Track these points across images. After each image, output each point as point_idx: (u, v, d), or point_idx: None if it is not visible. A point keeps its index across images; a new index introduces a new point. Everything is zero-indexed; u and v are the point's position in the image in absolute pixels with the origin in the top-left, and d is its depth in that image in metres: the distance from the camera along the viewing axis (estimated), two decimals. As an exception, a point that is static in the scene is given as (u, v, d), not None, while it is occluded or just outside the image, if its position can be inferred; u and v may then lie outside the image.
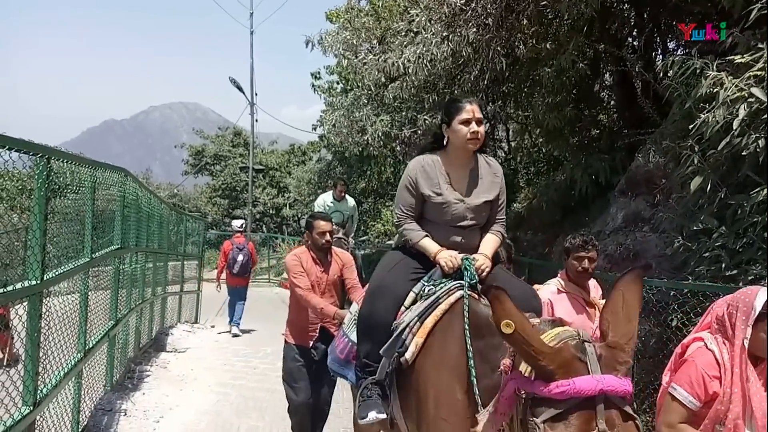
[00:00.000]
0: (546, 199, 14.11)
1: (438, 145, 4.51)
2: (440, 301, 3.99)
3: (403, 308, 4.21)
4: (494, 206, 4.54)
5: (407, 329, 4.00)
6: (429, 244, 4.34)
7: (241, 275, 14.86)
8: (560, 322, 2.94)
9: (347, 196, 12.98)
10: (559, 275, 5.90)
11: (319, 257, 6.46)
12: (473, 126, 4.22)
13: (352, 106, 15.52)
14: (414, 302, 4.20)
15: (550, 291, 5.72)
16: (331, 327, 6.15)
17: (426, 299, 4.08)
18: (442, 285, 4.10)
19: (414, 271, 4.38)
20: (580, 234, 6.03)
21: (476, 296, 3.90)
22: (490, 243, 4.47)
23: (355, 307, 4.98)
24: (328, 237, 6.40)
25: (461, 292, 3.91)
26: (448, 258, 4.21)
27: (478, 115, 4.27)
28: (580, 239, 5.71)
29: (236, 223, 15.92)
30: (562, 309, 5.50)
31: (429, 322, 3.94)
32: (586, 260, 5.62)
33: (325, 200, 12.72)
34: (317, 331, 6.34)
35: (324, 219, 6.50)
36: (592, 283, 5.95)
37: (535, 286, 5.60)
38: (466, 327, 3.63)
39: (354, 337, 4.60)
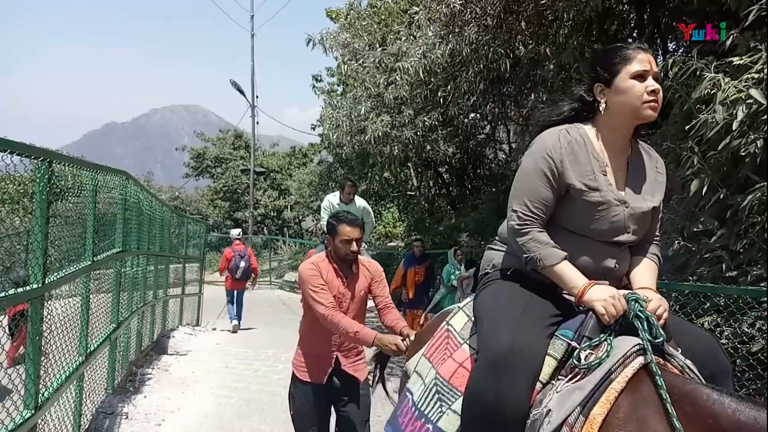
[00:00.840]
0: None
1: (579, 116, 3.16)
2: (612, 375, 2.54)
3: (539, 384, 2.77)
4: (655, 217, 3.17)
5: (564, 428, 2.53)
6: (571, 274, 2.92)
7: (243, 279, 16.15)
8: None
9: (357, 197, 11.50)
10: None
11: (341, 268, 5.12)
12: (650, 82, 2.88)
13: (352, 104, 15.54)
14: (555, 373, 2.78)
15: None
16: (352, 357, 5.19)
17: (586, 373, 2.62)
18: (607, 345, 2.64)
19: (550, 319, 2.94)
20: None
21: (661, 360, 2.60)
22: (651, 273, 3.12)
23: (424, 367, 3.39)
24: (354, 246, 5.05)
25: (642, 358, 2.55)
26: (609, 301, 2.77)
27: (656, 68, 2.94)
28: None
29: (234, 232, 17.35)
30: None
31: (598, 413, 2.47)
32: None
33: (331, 201, 11.37)
34: (333, 362, 5.13)
35: (351, 223, 5.07)
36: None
37: None
38: (676, 425, 2.27)
39: (446, 425, 3.04)
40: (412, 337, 4.30)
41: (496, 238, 3.47)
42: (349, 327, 4.71)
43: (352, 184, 11.62)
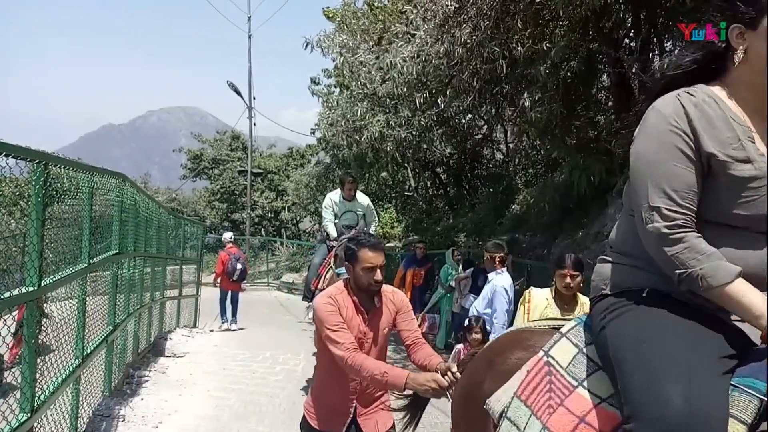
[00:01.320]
0: (544, 200, 14.14)
1: (700, 74, 2.33)
2: None
3: None
4: None
5: None
6: (753, 297, 2.06)
7: (240, 281, 16.61)
8: None
9: (359, 193, 10.73)
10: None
11: (362, 302, 4.27)
12: None
13: (348, 103, 15.54)
14: None
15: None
16: (373, 404, 4.39)
17: None
18: None
19: (724, 362, 2.13)
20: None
21: None
22: None
23: (521, 413, 2.60)
24: (378, 275, 4.18)
25: None
26: None
27: None
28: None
29: (227, 236, 17.77)
30: None
31: None
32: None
33: (332, 199, 10.48)
34: (353, 411, 4.32)
35: (374, 248, 4.20)
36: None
37: None
38: None
39: None
40: (454, 369, 3.59)
41: (609, 247, 2.62)
42: (375, 369, 3.87)
43: (352, 179, 10.81)
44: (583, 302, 5.66)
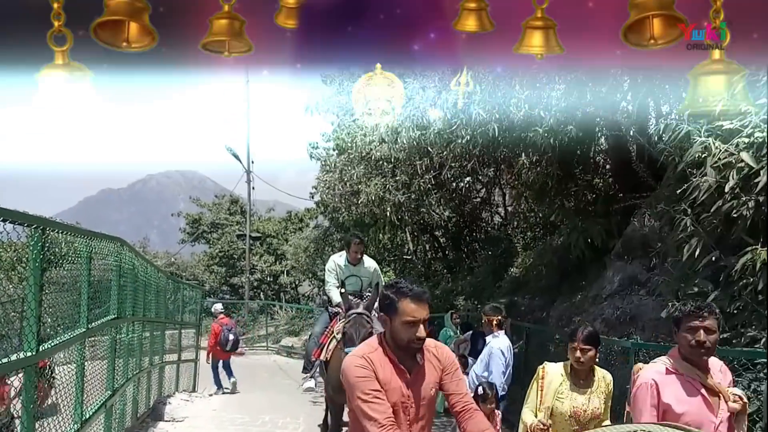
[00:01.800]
0: (543, 263, 14.15)
1: None
2: None
3: None
4: None
5: None
6: None
7: (233, 350, 16.69)
8: None
9: (366, 257, 9.86)
10: (669, 353, 4.63)
11: (402, 360, 3.64)
12: None
13: (345, 166, 15.64)
14: None
15: (655, 370, 4.46)
16: None
17: None
18: None
19: None
20: (693, 300, 5.36)
21: None
22: None
23: None
24: (421, 331, 3.53)
25: None
26: None
27: None
28: (692, 305, 4.35)
29: (218, 307, 17.90)
30: (671, 393, 4.28)
31: None
32: (701, 331, 4.18)
33: (337, 263, 9.60)
34: None
35: (417, 298, 3.55)
36: (717, 365, 4.53)
37: (638, 365, 5.11)
38: None
39: None
40: None
41: None
42: None
43: (359, 240, 9.71)
44: (602, 375, 5.43)
